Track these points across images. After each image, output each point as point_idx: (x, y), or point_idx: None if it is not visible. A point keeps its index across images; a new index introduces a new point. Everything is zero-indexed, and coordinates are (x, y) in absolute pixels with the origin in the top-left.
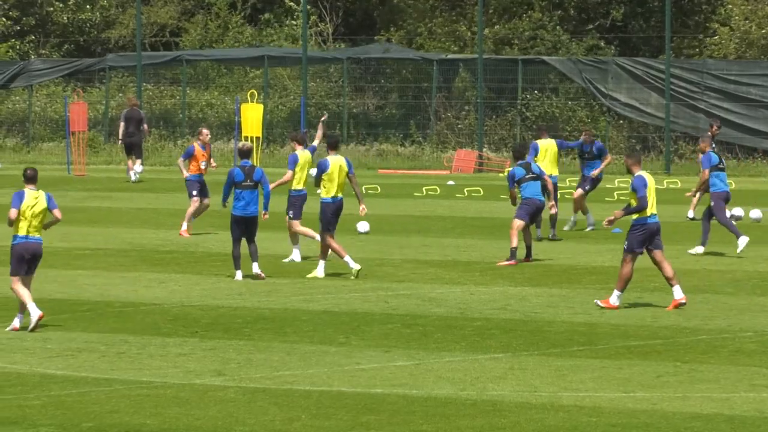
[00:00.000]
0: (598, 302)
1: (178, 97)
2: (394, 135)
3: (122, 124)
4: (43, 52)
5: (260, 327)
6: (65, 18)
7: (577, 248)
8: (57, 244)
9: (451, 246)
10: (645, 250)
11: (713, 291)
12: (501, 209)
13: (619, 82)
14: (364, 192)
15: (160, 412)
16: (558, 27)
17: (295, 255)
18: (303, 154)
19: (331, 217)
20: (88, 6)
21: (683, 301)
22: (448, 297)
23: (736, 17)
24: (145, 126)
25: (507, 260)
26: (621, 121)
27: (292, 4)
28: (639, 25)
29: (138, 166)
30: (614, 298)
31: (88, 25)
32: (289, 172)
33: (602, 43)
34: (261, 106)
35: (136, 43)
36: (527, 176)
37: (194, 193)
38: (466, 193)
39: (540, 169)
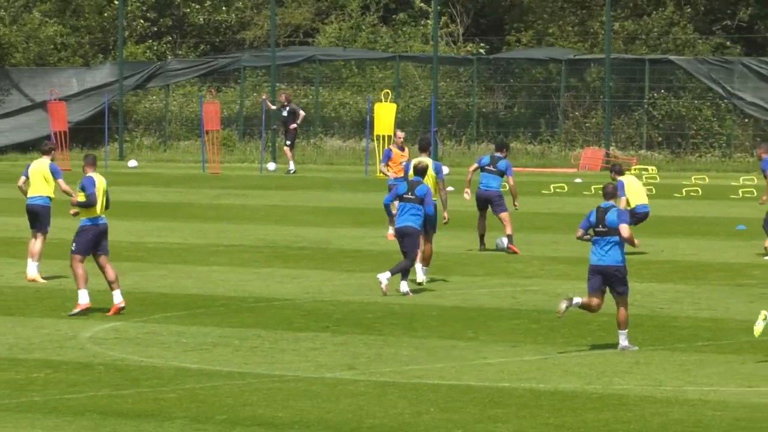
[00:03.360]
0: None
1: (311, 97)
2: (523, 133)
3: (283, 118)
4: (180, 52)
5: (390, 322)
6: (201, 19)
7: (702, 244)
8: (192, 240)
9: (580, 243)
10: (92, 254)
11: None
12: None
13: (745, 81)
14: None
15: (291, 405)
16: (688, 25)
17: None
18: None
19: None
20: (224, 7)
21: (122, 305)
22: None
23: None
24: (301, 116)
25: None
26: (746, 120)
27: (422, 5)
28: (766, 26)
29: (271, 165)
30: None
31: (223, 26)
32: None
33: (728, 43)
34: (394, 106)
35: (271, 43)
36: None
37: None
38: (594, 191)
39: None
